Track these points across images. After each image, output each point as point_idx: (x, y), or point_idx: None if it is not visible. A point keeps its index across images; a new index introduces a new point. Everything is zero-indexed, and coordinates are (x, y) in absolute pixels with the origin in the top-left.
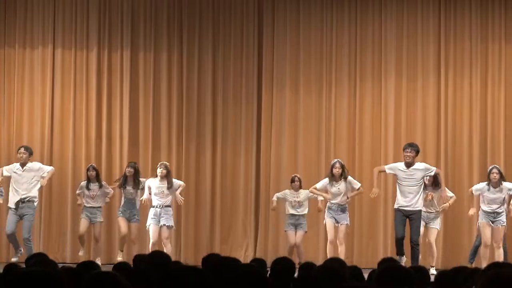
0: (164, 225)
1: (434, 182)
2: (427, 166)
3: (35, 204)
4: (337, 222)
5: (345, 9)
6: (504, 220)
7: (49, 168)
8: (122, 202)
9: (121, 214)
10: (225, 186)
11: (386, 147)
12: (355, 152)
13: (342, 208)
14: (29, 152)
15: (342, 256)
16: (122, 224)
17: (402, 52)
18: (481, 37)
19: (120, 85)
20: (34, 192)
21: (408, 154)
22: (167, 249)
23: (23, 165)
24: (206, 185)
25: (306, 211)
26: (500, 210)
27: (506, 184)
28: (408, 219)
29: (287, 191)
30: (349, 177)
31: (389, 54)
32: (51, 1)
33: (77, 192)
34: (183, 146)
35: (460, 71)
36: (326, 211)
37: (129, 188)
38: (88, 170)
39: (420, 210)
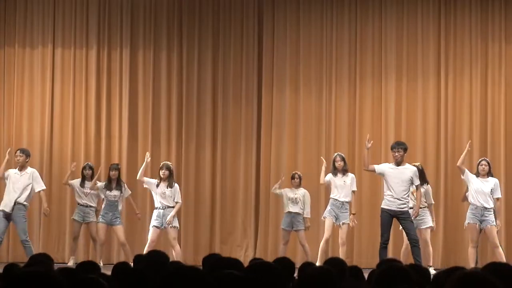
0: (169, 225)
1: (421, 176)
2: (416, 172)
3: (25, 207)
4: (337, 221)
5: (345, 9)
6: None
7: (41, 188)
8: (104, 205)
9: (101, 219)
10: (225, 186)
11: (386, 147)
12: (355, 152)
13: (345, 206)
14: (26, 154)
15: (342, 256)
16: (101, 231)
17: (402, 52)
18: (481, 37)
19: (119, 84)
20: (26, 199)
21: (396, 153)
22: (176, 249)
23: (21, 168)
24: (206, 185)
25: (302, 211)
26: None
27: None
28: (398, 219)
29: (287, 188)
30: (352, 175)
31: (389, 54)
32: (51, 1)
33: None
34: (182, 146)
35: (460, 71)
36: (328, 207)
37: (114, 191)
38: (84, 168)
39: (408, 211)
